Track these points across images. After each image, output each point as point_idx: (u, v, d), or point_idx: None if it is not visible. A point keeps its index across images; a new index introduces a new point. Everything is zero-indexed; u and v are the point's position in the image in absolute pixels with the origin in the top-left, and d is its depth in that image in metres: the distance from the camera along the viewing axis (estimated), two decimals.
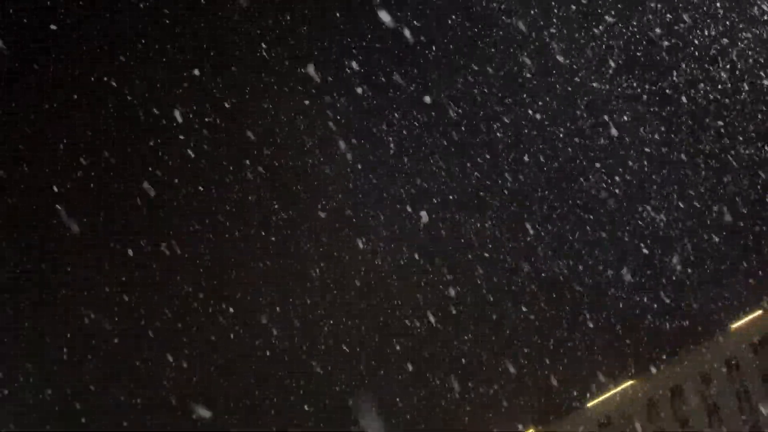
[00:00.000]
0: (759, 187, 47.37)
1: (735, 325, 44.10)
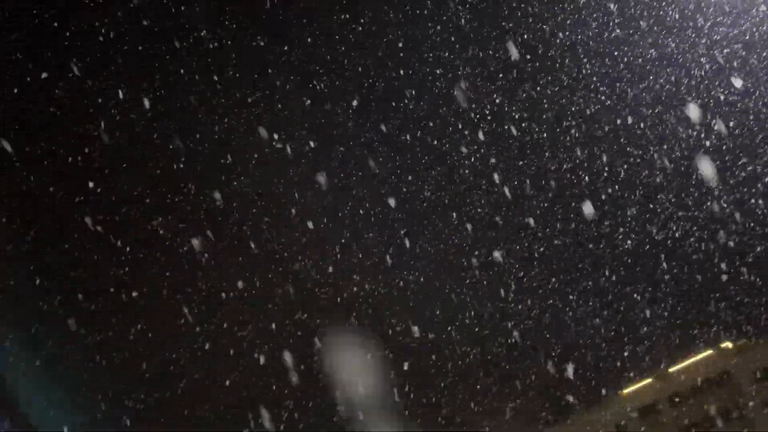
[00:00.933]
0: (659, 256, 49.13)
1: (626, 391, 44.93)
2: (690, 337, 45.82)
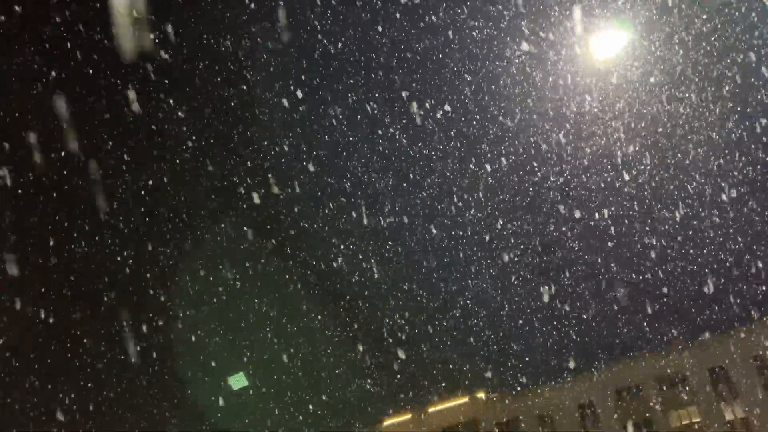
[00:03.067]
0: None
1: (385, 423, 47.77)
2: (450, 383, 49.18)
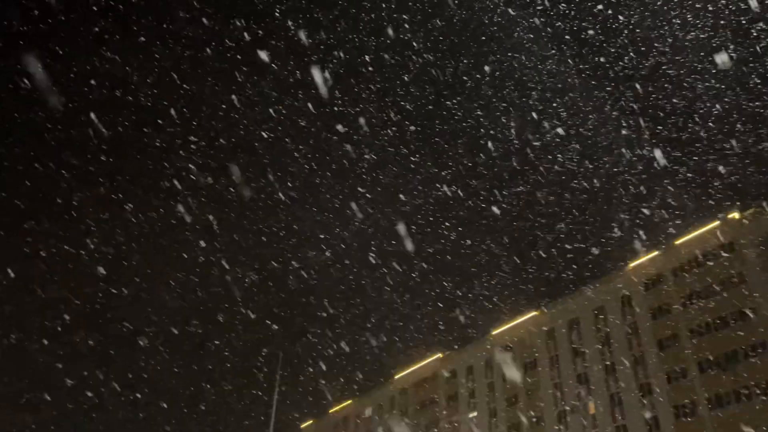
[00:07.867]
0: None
1: (632, 264, 46.38)
2: (696, 209, 45.33)
